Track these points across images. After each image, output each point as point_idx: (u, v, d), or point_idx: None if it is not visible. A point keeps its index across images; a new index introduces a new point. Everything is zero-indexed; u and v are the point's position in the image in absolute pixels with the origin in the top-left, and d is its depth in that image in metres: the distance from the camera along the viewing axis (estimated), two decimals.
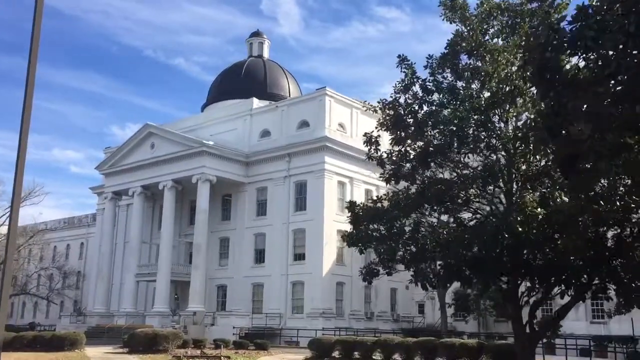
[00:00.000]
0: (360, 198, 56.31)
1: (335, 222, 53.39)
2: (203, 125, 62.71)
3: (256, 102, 60.49)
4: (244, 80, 67.32)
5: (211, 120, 62.90)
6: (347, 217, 21.37)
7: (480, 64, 18.14)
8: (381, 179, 20.50)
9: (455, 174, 18.76)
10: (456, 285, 52.04)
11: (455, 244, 16.34)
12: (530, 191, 15.71)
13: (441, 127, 17.82)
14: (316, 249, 52.06)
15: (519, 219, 14.47)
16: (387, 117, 19.12)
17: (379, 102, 19.83)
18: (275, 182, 56.10)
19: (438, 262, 18.80)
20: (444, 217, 19.70)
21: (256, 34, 74.63)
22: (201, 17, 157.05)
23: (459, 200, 17.98)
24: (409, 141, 18.96)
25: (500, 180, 18.01)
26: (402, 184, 20.41)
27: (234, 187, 58.51)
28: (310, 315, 50.65)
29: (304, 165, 54.29)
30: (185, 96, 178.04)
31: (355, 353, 30.81)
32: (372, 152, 19.86)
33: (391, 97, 19.59)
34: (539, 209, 14.31)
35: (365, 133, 19.60)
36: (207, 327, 48.98)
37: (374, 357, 30.47)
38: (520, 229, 14.51)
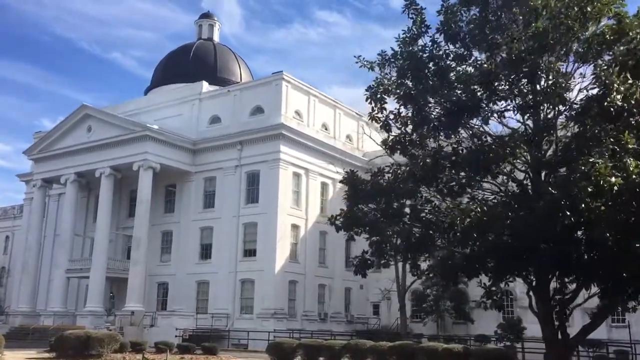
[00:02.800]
0: (315, 191, 53.13)
1: (289, 215, 49.83)
2: (146, 110, 57.74)
3: (206, 86, 56.10)
4: (192, 64, 62.73)
5: (155, 105, 57.98)
6: (345, 192, 17.68)
7: None
8: (384, 148, 16.95)
9: (475, 143, 15.52)
10: (416, 285, 49.96)
11: (486, 226, 13.08)
12: (591, 157, 12.64)
13: (469, 79, 14.52)
14: (268, 244, 48.26)
15: (589, 189, 11.35)
16: (405, 63, 15.43)
17: (379, 55, 16.34)
18: (225, 171, 51.90)
19: (455, 251, 15.44)
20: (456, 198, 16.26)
21: (206, 15, 70.10)
22: (140, 12, 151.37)
23: (494, 170, 14.69)
24: (427, 99, 15.42)
25: (546, 144, 14.87)
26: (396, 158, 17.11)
27: (180, 176, 53.92)
28: (261, 316, 46.79)
29: (257, 154, 50.37)
30: (122, 90, 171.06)
31: (321, 359, 27.32)
32: (376, 111, 16.31)
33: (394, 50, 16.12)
34: (613, 179, 11.28)
35: (369, 86, 16.06)
36: (146, 329, 44.41)
37: None
38: (588, 205, 11.37)
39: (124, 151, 51.39)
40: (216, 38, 69.28)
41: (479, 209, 13.53)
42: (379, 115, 16.46)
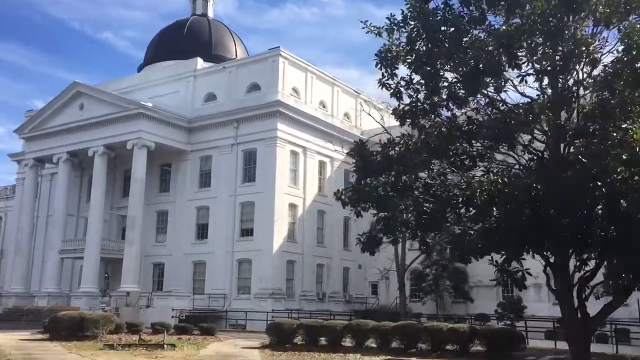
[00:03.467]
0: (313, 170, 52.27)
1: (287, 194, 48.99)
2: (140, 87, 56.40)
3: (200, 63, 54.79)
4: (186, 40, 61.30)
5: (149, 82, 56.65)
6: (353, 163, 16.69)
7: None
8: (395, 117, 15.91)
9: (492, 112, 14.58)
10: (415, 265, 49.44)
11: (508, 198, 12.17)
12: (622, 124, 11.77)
13: (486, 43, 13.56)
14: (266, 224, 47.43)
15: (623, 157, 10.49)
16: (417, 26, 14.38)
17: (388, 19, 15.26)
18: (221, 150, 50.87)
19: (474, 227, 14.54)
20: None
21: None
22: None
23: (516, 140, 13.79)
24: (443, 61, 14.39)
25: (567, 112, 13.95)
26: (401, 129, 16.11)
27: (175, 155, 52.87)
28: (258, 296, 46.15)
29: (254, 132, 49.30)
30: (114, 71, 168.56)
31: (322, 339, 26.67)
32: (387, 77, 15.29)
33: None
34: None
35: (379, 51, 15.03)
36: (142, 310, 43.65)
37: (343, 343, 26.40)
38: (622, 175, 10.53)
39: (117, 129, 50.24)
40: (210, 14, 67.74)
41: (500, 181, 12.65)
42: (390, 82, 15.44)
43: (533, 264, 42.36)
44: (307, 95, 52.42)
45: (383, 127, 46.23)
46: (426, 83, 14.91)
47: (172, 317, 41.16)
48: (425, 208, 15.01)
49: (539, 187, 12.34)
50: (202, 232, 51.09)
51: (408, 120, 15.47)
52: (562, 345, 30.21)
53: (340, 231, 54.40)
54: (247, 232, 48.77)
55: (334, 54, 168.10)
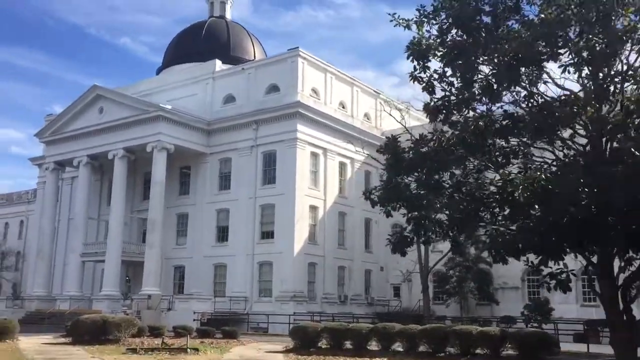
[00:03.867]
0: (334, 171, 51.74)
1: (307, 196, 48.53)
2: (158, 90, 56.37)
3: (219, 65, 54.58)
4: (204, 42, 61.23)
5: (168, 85, 56.60)
6: (381, 162, 16.11)
7: None
8: (425, 113, 15.27)
9: (532, 105, 13.87)
10: (438, 266, 48.65)
11: (553, 195, 11.48)
12: None
13: (524, 32, 12.89)
14: (286, 226, 46.99)
15: None
16: (451, 14, 13.73)
17: (417, 10, 14.62)
18: (240, 152, 50.56)
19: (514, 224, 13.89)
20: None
21: None
22: None
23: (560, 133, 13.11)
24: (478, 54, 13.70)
25: (609, 104, 13.21)
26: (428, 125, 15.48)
27: (194, 158, 52.68)
28: (280, 299, 45.70)
29: (273, 133, 48.92)
30: (133, 76, 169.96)
31: (347, 343, 26.06)
32: (419, 70, 14.68)
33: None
34: None
35: (410, 43, 14.42)
36: (163, 313, 43.48)
37: (368, 347, 25.80)
38: None
39: (137, 132, 50.21)
40: (228, 16, 67.64)
41: (543, 177, 12.00)
42: (422, 75, 14.81)
43: (562, 264, 41.18)
44: (327, 95, 51.93)
45: (404, 126, 45.76)
46: (461, 75, 14.24)
47: (194, 320, 40.84)
48: (459, 206, 14.33)
49: (585, 183, 11.66)
50: (222, 234, 50.81)
51: (440, 115, 14.78)
52: (595, 349, 29.35)
53: (361, 233, 53.80)
54: (267, 235, 48.37)
55: (350, 56, 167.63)
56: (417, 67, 14.76)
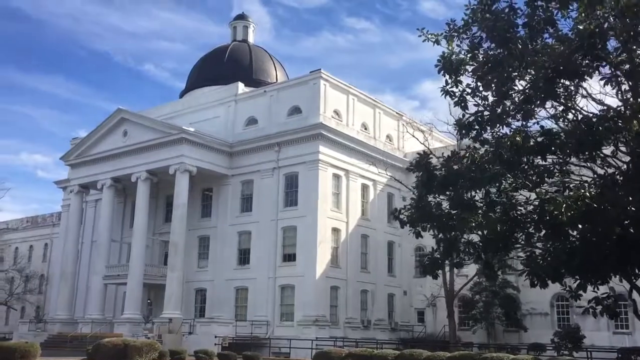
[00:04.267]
0: (356, 193, 51.19)
1: (329, 218, 47.99)
2: (181, 113, 56.70)
3: (241, 87, 54.78)
4: (227, 66, 61.62)
5: (191, 108, 56.94)
6: (415, 177, 15.56)
7: None
8: (457, 129, 14.64)
9: (565, 121, 13.28)
10: (463, 291, 47.54)
11: (597, 214, 10.83)
12: None
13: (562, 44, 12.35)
14: (309, 248, 46.45)
15: None
16: (485, 26, 13.19)
17: (447, 24, 14.19)
18: (262, 174, 50.38)
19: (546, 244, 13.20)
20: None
21: (241, 16, 69.07)
22: (170, 24, 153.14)
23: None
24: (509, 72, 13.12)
25: None
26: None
27: (216, 180, 52.63)
28: (302, 324, 44.94)
29: (295, 155, 48.70)
30: (156, 101, 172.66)
31: None
32: (451, 84, 14.19)
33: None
34: None
35: (441, 56, 13.90)
36: (184, 337, 42.98)
37: None
38: None
39: (160, 154, 50.39)
40: (251, 40, 68.13)
41: (587, 194, 11.39)
42: (454, 89, 14.32)
43: (588, 292, 39.85)
44: (349, 117, 51.67)
45: (427, 148, 45.15)
46: (495, 89, 13.69)
47: (215, 344, 40.38)
48: (494, 227, 13.67)
49: (634, 201, 11.02)
50: (244, 257, 50.41)
51: (472, 131, 14.22)
52: None
53: (384, 256, 52.99)
54: (289, 257, 47.85)
55: (369, 80, 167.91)
56: (449, 81, 14.25)
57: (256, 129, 51.87)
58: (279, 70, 64.82)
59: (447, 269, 44.24)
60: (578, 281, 14.21)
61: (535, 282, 13.40)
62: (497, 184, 14.02)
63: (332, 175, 48.96)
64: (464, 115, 14.61)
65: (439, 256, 15.06)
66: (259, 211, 49.93)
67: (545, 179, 13.69)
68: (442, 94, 14.34)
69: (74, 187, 57.27)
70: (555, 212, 11.43)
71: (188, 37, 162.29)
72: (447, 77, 14.22)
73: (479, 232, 14.19)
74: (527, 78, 13.40)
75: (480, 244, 14.28)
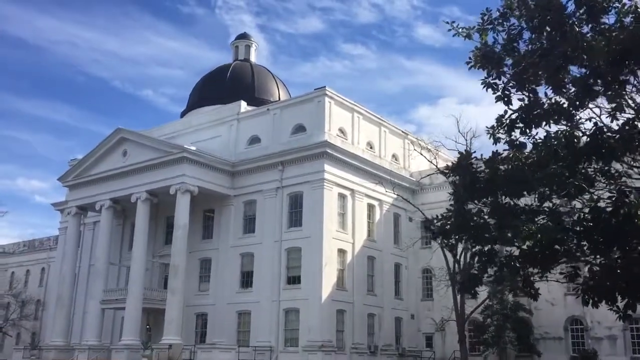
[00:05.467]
0: (362, 214, 49.76)
1: (335, 239, 46.50)
2: (182, 133, 55.51)
3: (244, 106, 53.67)
4: (229, 85, 60.62)
5: (192, 127, 55.75)
6: (453, 182, 14.01)
7: None
8: (499, 127, 13.03)
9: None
10: (473, 315, 45.76)
11: None
12: None
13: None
14: (314, 270, 44.84)
15: None
16: (528, 14, 11.84)
17: (482, 15, 12.94)
18: (265, 194, 48.99)
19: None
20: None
21: (243, 36, 68.31)
22: (168, 50, 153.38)
23: None
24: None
25: None
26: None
27: (218, 200, 51.20)
28: (307, 349, 43.13)
29: (299, 174, 47.36)
30: (155, 126, 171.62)
31: None
32: (494, 76, 12.41)
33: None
34: None
35: (477, 48, 12.59)
36: None
37: None
38: None
39: (160, 174, 49.07)
40: (253, 59, 67.28)
41: None
42: (497, 81, 12.90)
43: (604, 314, 38.40)
44: (354, 136, 50.49)
45: (437, 167, 43.83)
46: (548, 78, 12.28)
47: None
48: (550, 236, 12.05)
49: None
50: (246, 280, 48.77)
51: (517, 128, 12.77)
52: None
53: (391, 278, 51.36)
54: (293, 280, 46.21)
55: (366, 105, 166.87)
56: (492, 71, 12.76)
57: (259, 148, 50.64)
58: (282, 90, 63.84)
59: (457, 292, 42.77)
60: (626, 300, 12.71)
61: (589, 302, 11.86)
62: (555, 187, 12.42)
63: (337, 195, 47.58)
64: (505, 112, 13.16)
65: (476, 272, 13.50)
66: (262, 232, 48.43)
67: (596, 181, 12.21)
68: (484, 87, 12.95)
69: (72, 209, 55.79)
70: (631, 215, 9.97)
71: (186, 63, 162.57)
72: (489, 68, 12.81)
73: (518, 245, 12.71)
74: (585, 64, 11.98)
75: (520, 258, 12.77)
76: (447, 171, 13.97)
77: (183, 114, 64.23)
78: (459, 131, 44.04)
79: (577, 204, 12.05)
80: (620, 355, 43.00)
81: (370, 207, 50.90)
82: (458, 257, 39.69)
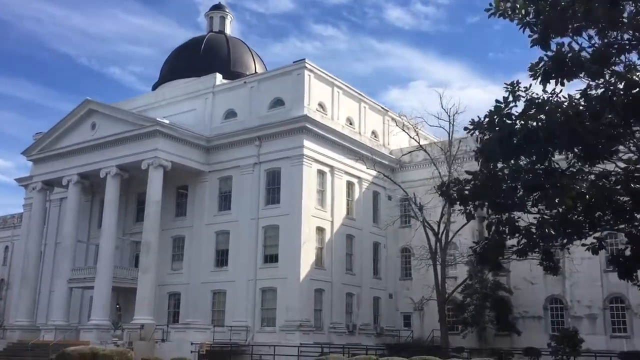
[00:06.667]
0: (341, 191, 48.59)
1: (314, 217, 45.25)
2: (155, 106, 53.15)
3: (219, 78, 51.63)
4: (203, 57, 58.30)
5: (165, 100, 53.44)
6: (478, 141, 12.33)
7: None
8: (532, 75, 11.60)
9: None
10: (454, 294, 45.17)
11: None
12: None
13: None
14: (292, 249, 43.56)
15: None
16: None
17: None
18: (242, 170, 47.34)
19: None
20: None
21: (217, 7, 65.77)
22: (137, 28, 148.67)
23: None
24: None
25: None
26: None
27: (192, 177, 49.37)
28: (285, 329, 41.99)
29: (277, 150, 45.79)
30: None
31: None
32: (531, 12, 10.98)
33: None
34: None
35: None
36: (157, 344, 39.73)
37: None
38: None
39: (132, 149, 46.93)
40: (228, 31, 64.96)
41: None
42: (522, 10, 11.18)
43: (585, 293, 37.96)
44: (334, 111, 49.04)
45: (418, 143, 42.67)
46: (597, 16, 10.81)
47: (192, 352, 37.23)
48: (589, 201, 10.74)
49: None
50: (221, 258, 47.23)
51: (553, 77, 11.31)
52: None
53: (369, 257, 50.44)
54: (271, 258, 44.87)
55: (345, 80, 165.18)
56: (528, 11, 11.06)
57: (235, 122, 48.82)
58: (259, 64, 61.81)
59: (438, 270, 42.04)
60: None
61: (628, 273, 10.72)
62: (615, 141, 10.94)
63: (316, 172, 46.20)
64: (541, 59, 11.70)
65: (499, 240, 12.16)
66: (238, 209, 46.86)
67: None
68: (520, 27, 11.47)
69: (37, 184, 53.26)
70: None
71: (154, 40, 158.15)
72: (510, 16, 11.21)
73: (548, 211, 11.46)
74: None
75: (551, 224, 11.48)
76: (471, 127, 12.42)
77: (155, 87, 61.76)
78: (442, 107, 43.19)
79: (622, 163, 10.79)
80: (600, 334, 42.93)
81: (350, 185, 49.70)
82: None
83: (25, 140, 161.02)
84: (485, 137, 11.81)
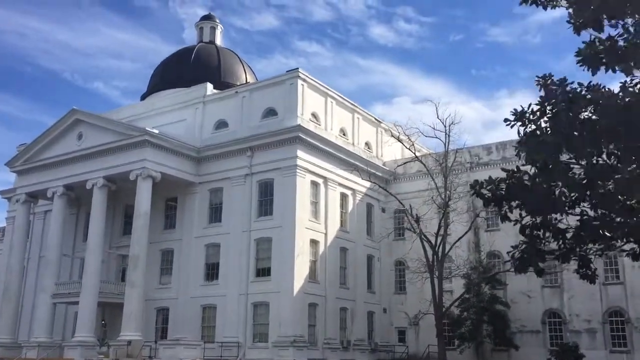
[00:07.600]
0: (335, 203, 47.58)
1: (308, 229, 44.06)
2: (143, 116, 51.93)
3: (210, 88, 50.59)
4: (193, 67, 57.31)
5: (154, 110, 52.19)
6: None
7: None
8: (577, 59, 10.62)
9: None
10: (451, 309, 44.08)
11: None
12: None
13: None
14: (285, 262, 42.31)
15: None
16: None
17: None
18: (233, 181, 46.14)
19: None
20: None
21: (208, 17, 64.95)
22: (120, 43, 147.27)
23: None
24: None
25: None
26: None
27: (181, 188, 48.05)
28: (278, 345, 40.59)
29: (270, 160, 44.70)
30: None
31: None
32: None
33: None
34: None
35: None
36: None
37: None
38: None
39: (119, 159, 45.61)
40: (218, 41, 64.03)
41: None
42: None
43: (584, 307, 36.91)
44: (327, 121, 48.14)
45: (414, 154, 41.76)
46: None
47: None
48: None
49: None
50: (212, 272, 45.83)
51: (600, 67, 10.26)
52: None
53: (363, 271, 49.31)
54: (263, 272, 43.56)
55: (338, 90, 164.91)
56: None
57: (226, 133, 47.72)
58: (249, 74, 60.86)
59: (435, 284, 40.96)
60: None
61: None
62: None
63: (310, 183, 45.13)
64: (593, 41, 10.67)
65: (537, 245, 11.08)
66: (229, 222, 45.58)
67: None
68: (568, 7, 10.56)
69: (21, 196, 51.61)
70: None
71: (138, 55, 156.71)
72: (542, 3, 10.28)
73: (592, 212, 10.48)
74: None
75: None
76: (512, 119, 11.35)
77: (143, 97, 60.49)
78: (437, 117, 42.40)
79: None
80: (600, 349, 42.02)
81: (343, 197, 48.68)
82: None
83: (8, 154, 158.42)
84: (530, 130, 10.79)
